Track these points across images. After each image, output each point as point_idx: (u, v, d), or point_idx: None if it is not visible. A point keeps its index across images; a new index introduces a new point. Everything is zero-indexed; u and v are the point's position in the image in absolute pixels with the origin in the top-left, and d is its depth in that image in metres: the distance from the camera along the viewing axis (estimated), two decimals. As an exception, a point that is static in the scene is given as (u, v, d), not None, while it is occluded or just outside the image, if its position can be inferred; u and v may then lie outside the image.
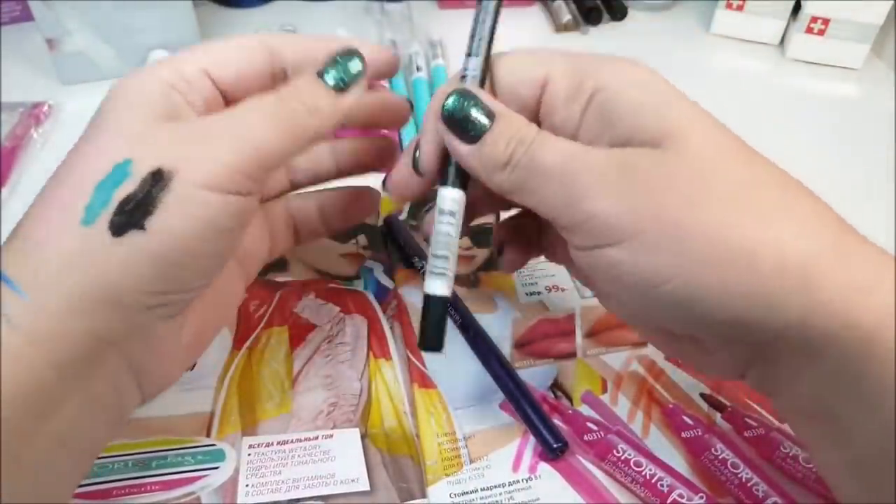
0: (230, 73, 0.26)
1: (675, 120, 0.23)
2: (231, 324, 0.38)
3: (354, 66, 0.27)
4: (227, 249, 0.26)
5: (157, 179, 0.23)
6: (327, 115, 0.26)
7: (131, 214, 0.22)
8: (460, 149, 0.26)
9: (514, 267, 0.32)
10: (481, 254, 0.43)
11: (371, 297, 0.40)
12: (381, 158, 0.33)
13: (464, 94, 0.26)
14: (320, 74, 0.26)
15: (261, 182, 0.25)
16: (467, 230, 0.31)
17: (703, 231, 0.22)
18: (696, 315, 0.23)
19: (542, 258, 0.33)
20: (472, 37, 0.28)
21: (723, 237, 0.22)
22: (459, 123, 0.25)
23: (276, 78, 0.28)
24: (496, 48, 0.28)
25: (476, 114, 0.25)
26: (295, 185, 0.33)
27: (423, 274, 0.40)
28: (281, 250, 0.32)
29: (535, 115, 0.27)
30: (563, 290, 0.41)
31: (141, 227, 0.22)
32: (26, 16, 0.58)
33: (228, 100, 0.27)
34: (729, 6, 0.61)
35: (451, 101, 0.25)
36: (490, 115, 0.25)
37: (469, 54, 0.28)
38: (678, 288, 0.22)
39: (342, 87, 0.26)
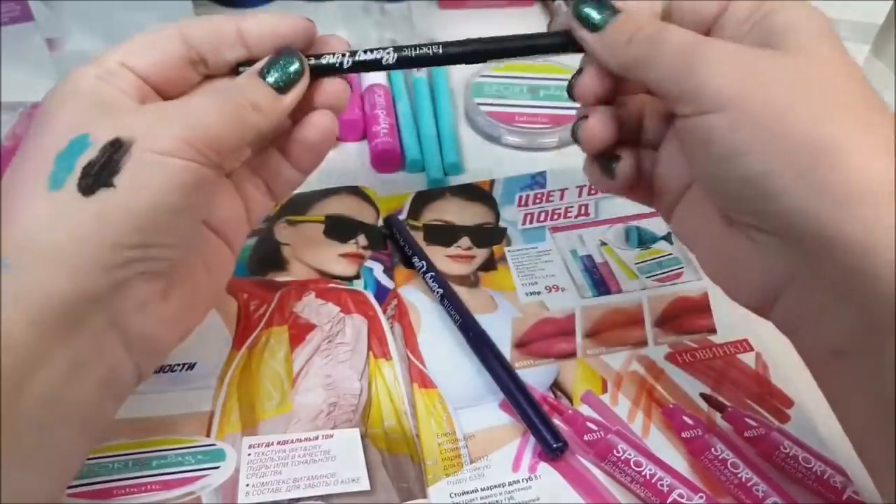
0: (146, 63, 0.28)
1: (811, 39, 0.25)
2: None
3: (293, 66, 0.28)
4: (197, 211, 0.27)
5: (117, 147, 0.24)
6: (268, 113, 0.28)
7: (98, 176, 0.24)
8: (586, 36, 0.28)
9: (594, 136, 0.30)
10: (481, 254, 0.43)
11: (371, 297, 0.40)
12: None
13: None
14: (262, 74, 0.28)
15: (213, 160, 0.26)
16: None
17: (799, 120, 0.23)
18: (766, 194, 0.24)
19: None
20: None
21: (814, 131, 0.23)
22: (586, 11, 0.28)
23: (195, 63, 0.29)
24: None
25: (603, 9, 0.28)
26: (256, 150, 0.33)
27: (424, 274, 0.40)
28: (262, 213, 0.32)
29: (707, 31, 0.28)
30: (563, 290, 0.41)
31: (110, 184, 0.24)
32: (26, 16, 0.58)
33: (155, 89, 0.28)
34: (729, 6, 0.61)
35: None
36: (615, 12, 0.27)
37: None
38: (760, 163, 0.23)
39: (282, 87, 0.28)
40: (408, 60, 0.29)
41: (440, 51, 0.29)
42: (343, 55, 0.29)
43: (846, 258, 0.23)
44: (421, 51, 0.29)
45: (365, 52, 0.29)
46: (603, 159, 0.30)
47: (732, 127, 0.24)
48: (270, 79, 0.28)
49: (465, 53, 0.30)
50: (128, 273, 0.25)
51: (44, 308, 0.23)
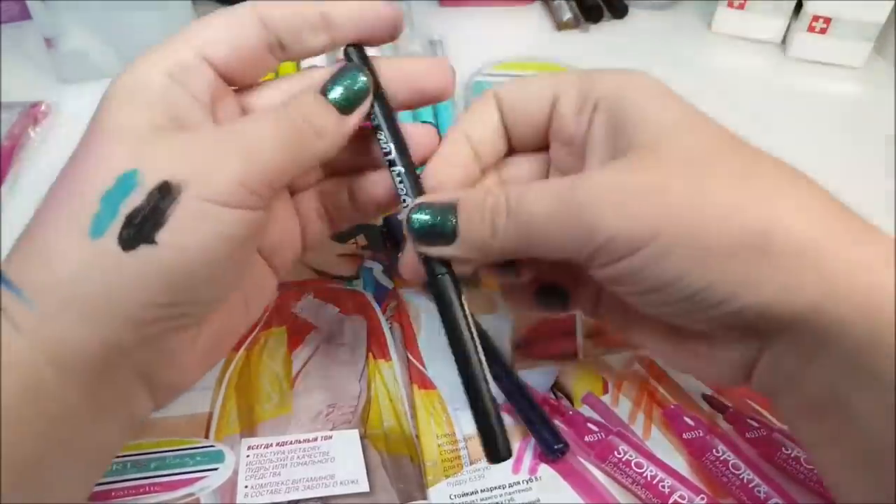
0: (226, 52, 0.25)
1: (668, 120, 0.24)
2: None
3: (359, 82, 0.26)
4: (241, 261, 0.25)
5: (165, 193, 0.22)
6: (332, 137, 0.26)
7: (140, 228, 0.22)
8: (446, 252, 0.26)
9: (514, 300, 0.31)
10: (481, 254, 0.42)
11: (370, 298, 0.39)
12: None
13: (418, 210, 0.25)
14: (324, 92, 0.26)
15: (267, 198, 0.24)
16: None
17: (712, 222, 0.22)
18: (713, 305, 0.23)
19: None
20: (385, 151, 0.27)
21: (732, 223, 0.22)
22: (429, 235, 0.25)
23: (272, 48, 0.27)
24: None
25: (436, 219, 0.25)
26: (328, 173, 0.31)
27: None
28: (315, 239, 0.31)
29: (545, 136, 0.27)
30: (563, 290, 0.40)
31: (152, 241, 0.22)
32: (24, 14, 0.58)
33: (228, 80, 0.26)
34: (730, 4, 0.61)
35: (415, 223, 0.25)
36: (450, 207, 0.25)
37: (391, 165, 0.27)
38: (696, 281, 0.23)
39: (347, 105, 0.26)
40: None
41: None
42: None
43: (803, 329, 0.22)
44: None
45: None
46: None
47: (656, 260, 0.23)
48: (334, 95, 0.26)
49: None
50: (160, 328, 0.23)
51: (67, 354, 0.22)
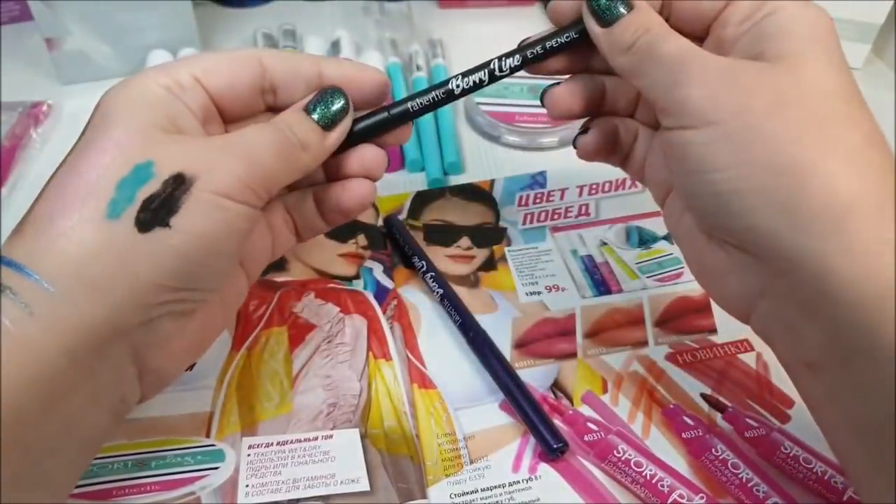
0: (221, 83, 0.27)
1: (802, 47, 0.25)
2: (230, 326, 0.38)
3: (338, 104, 0.28)
4: (235, 255, 0.27)
5: (180, 183, 0.24)
6: (315, 152, 0.28)
7: (156, 212, 0.24)
8: (595, 29, 0.28)
9: (588, 151, 0.32)
10: (481, 254, 0.43)
11: (371, 297, 0.40)
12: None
13: None
14: (307, 110, 0.28)
15: (264, 200, 0.26)
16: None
17: (770, 140, 0.23)
18: (734, 212, 0.24)
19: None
20: None
21: (783, 151, 0.23)
22: (600, 8, 0.27)
23: (265, 91, 0.29)
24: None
25: (616, 3, 0.27)
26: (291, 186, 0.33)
27: (424, 274, 0.40)
28: (283, 250, 0.32)
29: (707, 28, 0.28)
30: (563, 289, 0.41)
31: (166, 224, 0.24)
32: (26, 15, 0.58)
33: (220, 109, 0.28)
34: (729, 6, 0.61)
35: None
36: (629, 6, 0.27)
37: None
38: (729, 181, 0.24)
39: (327, 124, 0.28)
40: (448, 95, 0.30)
41: (486, 77, 0.30)
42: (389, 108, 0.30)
43: (809, 280, 0.23)
44: (467, 80, 0.30)
45: (411, 98, 0.30)
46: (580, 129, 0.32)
47: (706, 144, 0.24)
48: (316, 115, 0.28)
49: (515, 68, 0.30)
50: (161, 311, 0.25)
51: (79, 338, 0.23)
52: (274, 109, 0.29)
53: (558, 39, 0.29)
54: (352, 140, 0.30)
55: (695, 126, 0.25)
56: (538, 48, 0.29)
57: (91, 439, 0.25)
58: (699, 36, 0.28)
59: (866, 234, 0.22)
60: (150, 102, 0.25)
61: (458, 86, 0.30)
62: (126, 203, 0.23)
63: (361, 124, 0.30)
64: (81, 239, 0.23)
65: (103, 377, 0.24)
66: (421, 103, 0.30)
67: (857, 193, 0.23)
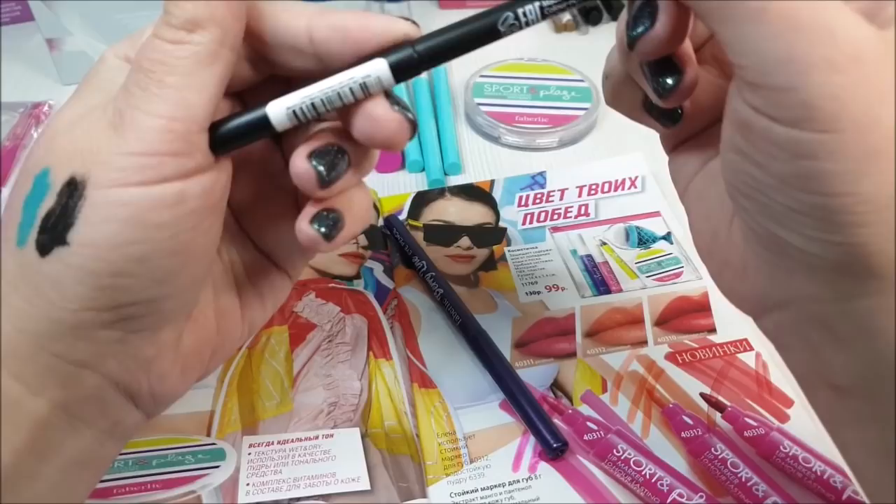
0: None
1: None
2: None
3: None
4: (182, 243, 0.21)
5: (73, 189, 0.20)
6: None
7: (53, 230, 0.20)
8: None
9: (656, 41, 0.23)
10: (481, 254, 0.43)
11: (371, 297, 0.40)
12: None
13: None
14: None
15: (190, 151, 0.21)
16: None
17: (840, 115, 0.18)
18: (772, 182, 0.19)
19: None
20: None
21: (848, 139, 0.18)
22: None
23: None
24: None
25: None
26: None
27: (424, 274, 0.40)
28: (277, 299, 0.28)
29: None
30: (563, 289, 0.41)
31: (64, 242, 0.20)
32: (27, 16, 0.58)
33: None
34: (729, 6, 0.61)
35: None
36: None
37: None
38: (775, 134, 0.19)
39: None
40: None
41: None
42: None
43: (851, 312, 0.20)
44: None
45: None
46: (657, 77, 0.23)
47: (831, 151, 0.18)
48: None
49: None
50: (114, 335, 0.22)
51: (27, 370, 0.21)
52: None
53: None
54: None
55: (822, 131, 0.18)
56: None
57: (84, 466, 0.24)
58: None
59: None
60: (99, 81, 0.22)
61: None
62: (30, 225, 0.21)
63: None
64: (6, 271, 0.21)
65: (76, 406, 0.22)
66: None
67: None
